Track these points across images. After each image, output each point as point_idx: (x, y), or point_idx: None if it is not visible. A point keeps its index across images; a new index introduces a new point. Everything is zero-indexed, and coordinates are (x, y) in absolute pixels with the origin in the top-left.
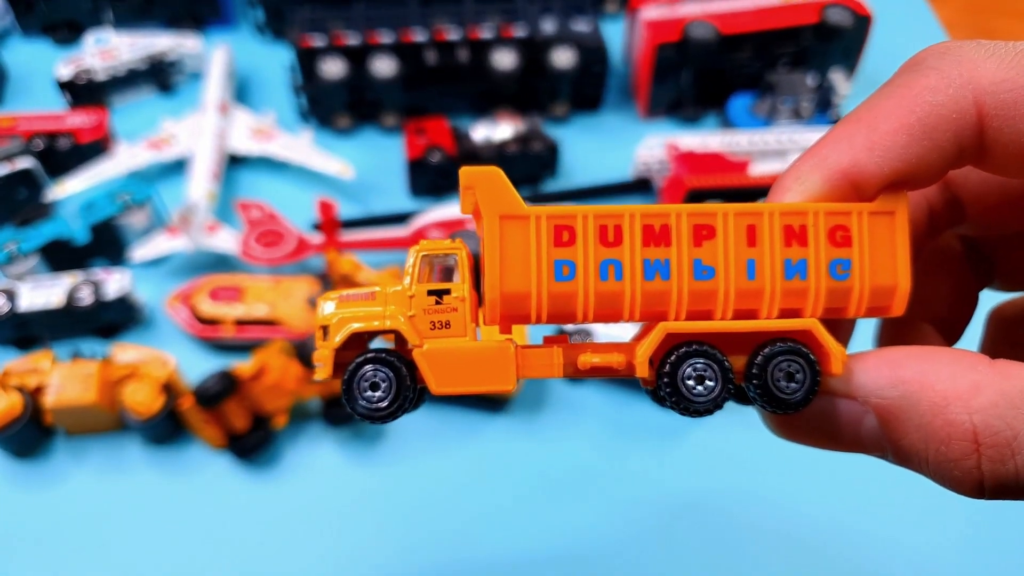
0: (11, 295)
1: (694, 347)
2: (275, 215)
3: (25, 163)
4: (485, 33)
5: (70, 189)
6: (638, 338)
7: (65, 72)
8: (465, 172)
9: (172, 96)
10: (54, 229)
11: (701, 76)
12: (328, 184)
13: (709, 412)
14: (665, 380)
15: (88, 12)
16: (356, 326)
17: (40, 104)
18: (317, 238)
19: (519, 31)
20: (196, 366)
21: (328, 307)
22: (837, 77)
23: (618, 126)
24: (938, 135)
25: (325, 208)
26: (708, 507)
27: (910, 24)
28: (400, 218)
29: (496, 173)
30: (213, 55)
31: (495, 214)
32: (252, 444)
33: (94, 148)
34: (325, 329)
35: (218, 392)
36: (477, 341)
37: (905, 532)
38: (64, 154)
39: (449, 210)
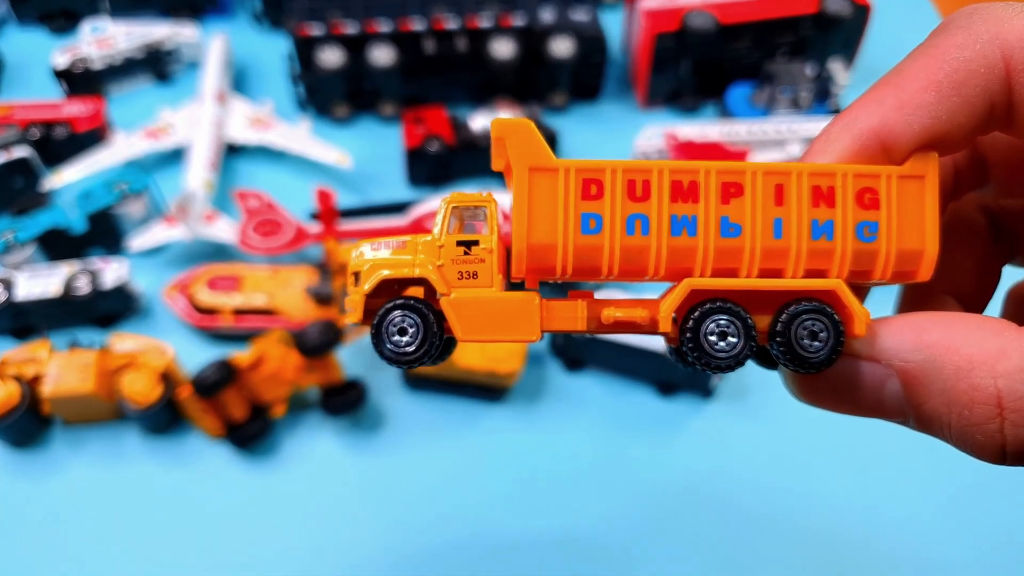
0: (8, 285)
1: (718, 304)
2: (273, 205)
3: (21, 152)
4: (484, 22)
5: (67, 178)
6: (662, 297)
7: (61, 61)
8: (497, 123)
9: (169, 85)
10: (51, 218)
11: (700, 66)
12: (326, 173)
13: (731, 368)
14: (688, 336)
15: (84, 1)
16: (386, 273)
17: (36, 93)
18: (315, 227)
19: (518, 20)
20: (194, 356)
21: (360, 254)
22: (836, 67)
23: (617, 116)
24: (967, 90)
25: (324, 197)
26: (705, 495)
27: (908, 14)
28: (398, 207)
29: (527, 125)
30: (211, 44)
31: (525, 165)
32: (250, 433)
33: (91, 137)
34: (357, 275)
35: (216, 382)
36: (503, 292)
37: (909, 517)
38: (61, 143)
39: None
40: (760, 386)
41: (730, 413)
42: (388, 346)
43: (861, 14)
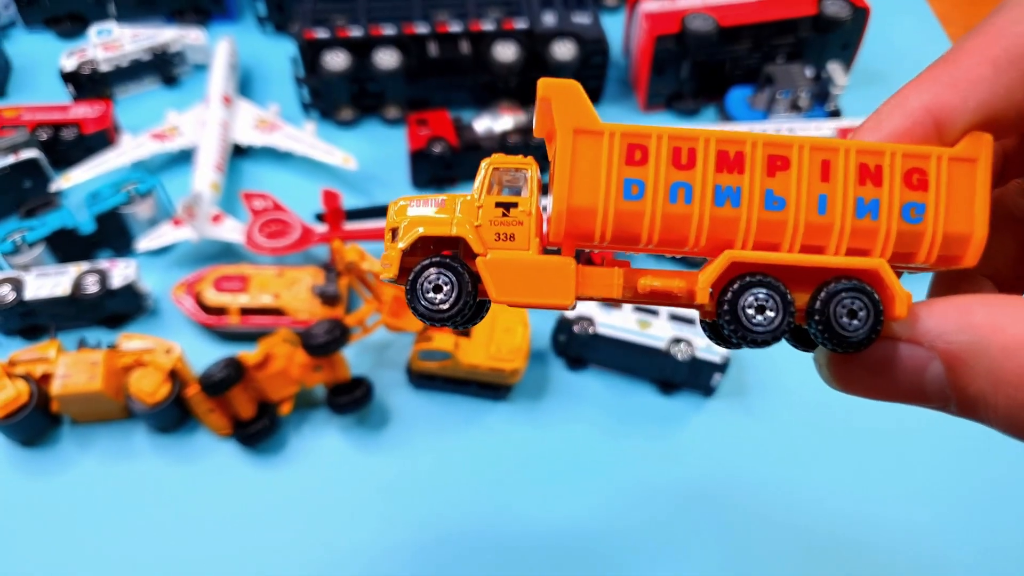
0: (17, 285)
1: (757, 277)
2: (280, 205)
3: (30, 154)
4: (486, 26)
5: (75, 180)
6: (701, 270)
7: (69, 64)
8: (544, 83)
9: (176, 88)
10: (59, 219)
11: (700, 69)
12: (331, 175)
13: (767, 343)
14: (725, 308)
15: (91, 5)
16: (423, 230)
17: (44, 96)
18: (321, 228)
19: (520, 24)
20: (201, 355)
21: (399, 211)
22: (835, 69)
23: (618, 118)
24: None
25: (330, 198)
26: (705, 491)
27: (906, 16)
28: None
29: (574, 86)
30: (217, 47)
31: (570, 127)
32: (257, 431)
33: (98, 139)
34: (395, 232)
35: (224, 379)
36: (540, 255)
37: (909, 516)
38: (69, 145)
39: None
40: (760, 385)
41: (730, 411)
42: (422, 303)
43: (860, 16)
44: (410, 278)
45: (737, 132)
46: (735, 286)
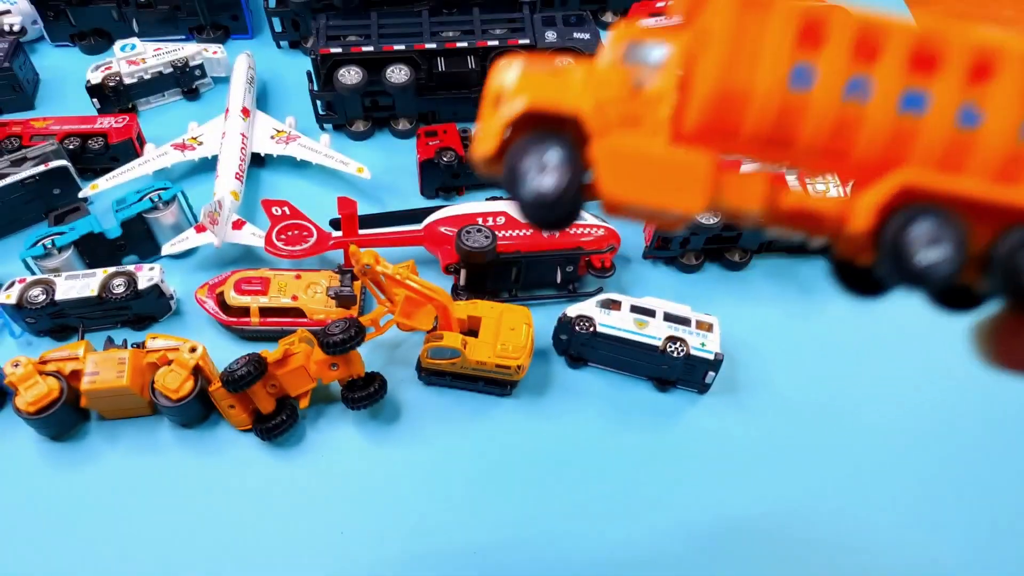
0: (48, 287)
1: (932, 207)
2: (297, 212)
3: (59, 163)
4: (492, 43)
5: (102, 187)
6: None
7: (94, 77)
8: None
9: (197, 101)
10: (87, 225)
11: None
12: (345, 183)
13: (934, 286)
14: (888, 239)
15: (115, 21)
16: (529, 100)
17: (71, 108)
18: (337, 233)
19: (524, 41)
20: (224, 354)
21: (509, 74)
22: None
23: None
24: None
25: (345, 205)
26: (697, 483)
27: None
28: (413, 215)
29: None
30: (236, 62)
31: None
32: (276, 425)
33: (123, 149)
34: (499, 99)
35: (245, 375)
36: (670, 146)
37: (902, 516)
38: (95, 154)
39: (460, 208)
40: (752, 382)
41: (724, 407)
42: (528, 185)
43: None
44: (509, 155)
45: (937, 28)
46: (904, 213)
